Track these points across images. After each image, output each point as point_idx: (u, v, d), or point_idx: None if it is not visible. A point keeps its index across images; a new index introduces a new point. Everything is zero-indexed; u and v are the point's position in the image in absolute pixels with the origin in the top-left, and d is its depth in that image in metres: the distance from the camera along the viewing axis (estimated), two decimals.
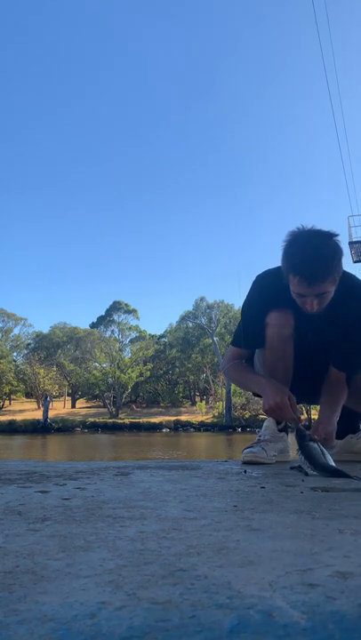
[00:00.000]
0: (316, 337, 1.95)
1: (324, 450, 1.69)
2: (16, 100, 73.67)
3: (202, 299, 46.18)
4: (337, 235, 1.79)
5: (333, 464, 1.64)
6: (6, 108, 72.71)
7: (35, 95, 74.97)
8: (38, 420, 33.84)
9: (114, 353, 46.31)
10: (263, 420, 2.24)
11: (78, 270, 73.42)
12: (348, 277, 1.92)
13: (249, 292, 2.00)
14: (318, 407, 2.03)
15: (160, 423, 35.71)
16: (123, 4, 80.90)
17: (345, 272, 1.89)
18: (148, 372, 46.67)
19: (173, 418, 38.25)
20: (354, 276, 1.97)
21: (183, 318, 48.10)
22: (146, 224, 74.75)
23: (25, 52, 75.94)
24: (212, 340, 42.95)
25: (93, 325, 52.28)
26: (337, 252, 1.76)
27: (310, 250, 1.71)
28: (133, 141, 77.41)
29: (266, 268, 2.01)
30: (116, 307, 51.70)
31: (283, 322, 1.88)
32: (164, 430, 33.82)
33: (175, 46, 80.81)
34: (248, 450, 2.00)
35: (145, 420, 37.51)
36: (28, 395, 49.49)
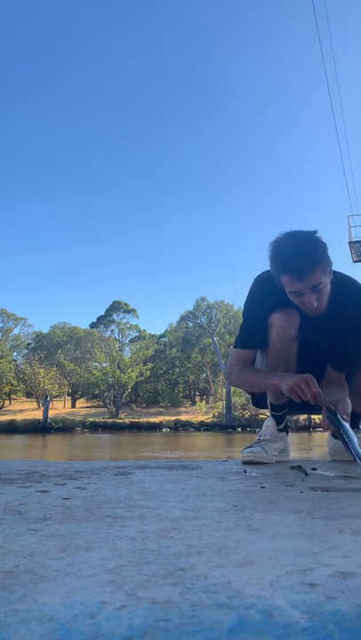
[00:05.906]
0: (318, 338, 1.94)
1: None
2: (9, 100, 73.69)
3: (202, 299, 46.16)
4: (316, 231, 1.84)
5: None
6: None
7: (28, 99, 75.01)
8: (38, 420, 33.80)
9: (114, 353, 46.28)
10: (263, 420, 2.24)
11: (78, 270, 73.54)
12: (344, 277, 1.93)
13: (250, 292, 2.00)
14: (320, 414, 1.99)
15: (160, 423, 35.67)
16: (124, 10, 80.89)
17: (342, 273, 1.89)
18: (148, 372, 46.64)
19: (173, 417, 38.20)
20: (349, 276, 1.98)
21: (183, 318, 48.07)
22: (146, 223, 74.80)
23: (22, 51, 75.97)
24: (213, 339, 42.92)
25: (93, 325, 52.22)
26: (320, 244, 1.80)
27: (293, 246, 1.77)
28: (133, 142, 77.48)
29: (266, 268, 2.01)
30: (115, 306, 51.63)
31: (287, 323, 1.87)
32: (164, 430, 33.80)
33: (174, 44, 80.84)
34: (248, 449, 1.99)
35: (145, 419, 37.47)
36: (28, 394, 49.48)
